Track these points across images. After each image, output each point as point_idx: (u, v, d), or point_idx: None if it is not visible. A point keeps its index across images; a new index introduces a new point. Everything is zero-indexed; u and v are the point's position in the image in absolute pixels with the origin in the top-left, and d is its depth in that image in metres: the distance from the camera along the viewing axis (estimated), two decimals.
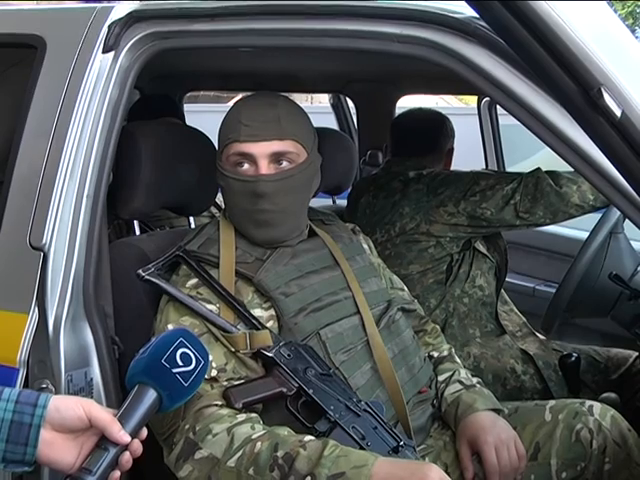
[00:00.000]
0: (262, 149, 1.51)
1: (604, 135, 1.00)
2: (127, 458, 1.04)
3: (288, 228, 1.58)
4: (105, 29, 1.52)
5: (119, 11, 1.53)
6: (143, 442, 1.09)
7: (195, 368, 1.11)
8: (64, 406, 1.03)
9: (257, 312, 1.50)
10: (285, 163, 1.53)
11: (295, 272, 1.56)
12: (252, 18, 1.46)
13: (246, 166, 1.53)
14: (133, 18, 1.51)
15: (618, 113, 0.97)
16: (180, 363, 1.09)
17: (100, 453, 1.03)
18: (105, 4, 1.57)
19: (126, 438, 1.03)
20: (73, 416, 1.03)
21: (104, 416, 1.03)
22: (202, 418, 1.36)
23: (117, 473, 1.04)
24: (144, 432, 1.08)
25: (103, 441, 1.03)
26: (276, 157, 1.52)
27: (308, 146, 1.57)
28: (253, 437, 1.32)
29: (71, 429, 1.03)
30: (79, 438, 1.04)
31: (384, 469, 1.26)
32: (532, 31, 0.94)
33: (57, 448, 1.03)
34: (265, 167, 1.52)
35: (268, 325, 1.49)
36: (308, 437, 1.33)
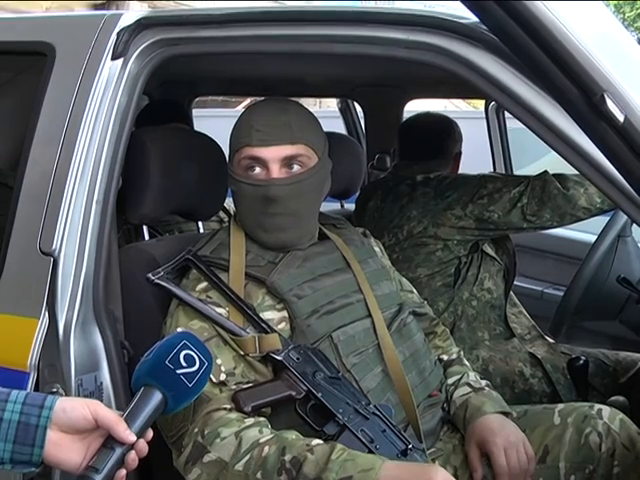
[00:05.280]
0: (274, 153, 1.52)
1: (607, 140, 1.01)
2: (133, 457, 1.05)
3: (299, 232, 1.59)
4: (114, 36, 1.53)
5: (128, 18, 1.55)
6: (153, 445, 1.10)
7: (199, 369, 1.12)
8: (70, 407, 1.04)
9: (269, 314, 1.51)
10: (296, 167, 1.54)
11: (308, 274, 1.56)
12: (260, 25, 1.47)
13: (257, 170, 1.54)
14: (141, 25, 1.53)
15: (621, 119, 0.97)
16: (184, 364, 1.11)
17: (106, 452, 1.04)
18: (114, 11, 1.58)
19: (132, 437, 1.04)
20: (79, 416, 1.04)
21: (110, 416, 1.04)
22: (211, 422, 1.37)
23: (123, 472, 1.05)
24: (150, 433, 1.09)
25: (109, 441, 1.04)
26: (287, 161, 1.53)
27: (319, 150, 1.58)
28: (261, 441, 1.33)
29: (78, 430, 1.04)
30: (86, 439, 1.05)
31: (391, 472, 1.26)
32: (534, 38, 0.95)
33: (64, 449, 1.04)
34: (277, 171, 1.53)
35: (280, 327, 1.50)
36: (316, 441, 1.34)
